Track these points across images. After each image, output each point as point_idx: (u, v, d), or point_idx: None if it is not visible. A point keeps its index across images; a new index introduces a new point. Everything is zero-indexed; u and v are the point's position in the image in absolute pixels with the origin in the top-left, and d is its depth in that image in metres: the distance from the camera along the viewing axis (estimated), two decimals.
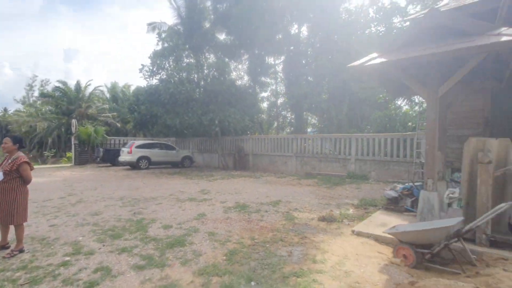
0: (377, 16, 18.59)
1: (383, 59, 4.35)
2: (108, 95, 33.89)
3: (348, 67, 4.78)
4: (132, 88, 30.89)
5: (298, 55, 18.67)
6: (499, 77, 5.35)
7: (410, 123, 12.85)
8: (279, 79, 22.96)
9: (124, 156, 16.31)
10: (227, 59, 18.79)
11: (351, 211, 6.53)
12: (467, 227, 3.38)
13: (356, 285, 3.20)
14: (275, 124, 22.84)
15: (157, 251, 4.17)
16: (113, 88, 33.82)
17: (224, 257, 3.94)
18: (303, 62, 19.30)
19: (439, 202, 4.47)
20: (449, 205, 5.29)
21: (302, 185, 10.42)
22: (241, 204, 7.11)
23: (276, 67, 22.12)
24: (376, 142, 11.56)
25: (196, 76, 15.63)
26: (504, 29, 3.67)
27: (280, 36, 19.04)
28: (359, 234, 4.86)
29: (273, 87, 22.88)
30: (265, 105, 24.01)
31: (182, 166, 17.80)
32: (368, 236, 4.74)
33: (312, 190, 9.22)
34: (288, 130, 22.27)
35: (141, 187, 10.00)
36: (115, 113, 29.11)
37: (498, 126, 6.46)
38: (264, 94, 23.09)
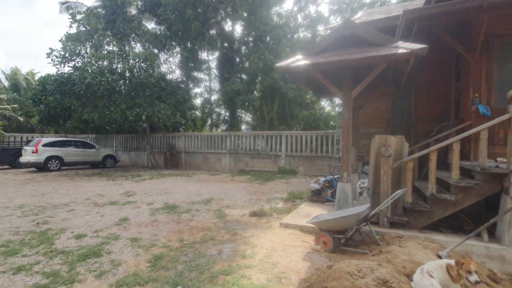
0: (305, 22, 20.03)
1: (306, 62, 4.65)
2: (6, 83, 27.89)
3: (276, 66, 4.97)
4: (39, 76, 26.08)
5: (232, 52, 18.72)
6: (397, 83, 6.34)
7: (332, 122, 14.26)
8: (213, 76, 22.64)
9: (27, 156, 13.68)
10: (156, 50, 17.56)
11: (280, 204, 6.86)
12: (373, 212, 3.89)
13: (281, 275, 3.36)
14: (209, 121, 22.48)
15: (66, 266, 3.60)
16: (13, 75, 27.93)
17: (148, 264, 3.65)
18: (237, 59, 19.44)
19: (352, 192, 5.05)
20: (361, 194, 6.04)
21: (235, 181, 10.51)
22: (171, 205, 6.74)
23: (210, 63, 21.75)
24: (303, 139, 12.46)
25: (120, 66, 14.13)
26: (401, 43, 4.33)
27: (214, 32, 18.74)
28: (286, 226, 5.13)
29: (207, 83, 22.45)
30: (198, 101, 23.39)
31: (103, 166, 15.95)
32: (294, 227, 5.05)
33: (245, 186, 9.38)
34: (223, 127, 22.21)
35: (49, 192, 8.54)
36: (15, 105, 24.16)
37: (396, 125, 7.68)
38: (198, 90, 22.49)
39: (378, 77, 5.87)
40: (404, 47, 4.10)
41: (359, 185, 6.26)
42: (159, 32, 17.68)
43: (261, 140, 13.64)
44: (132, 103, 13.84)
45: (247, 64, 18.76)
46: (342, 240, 4.06)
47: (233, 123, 19.27)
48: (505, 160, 4.06)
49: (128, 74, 14.11)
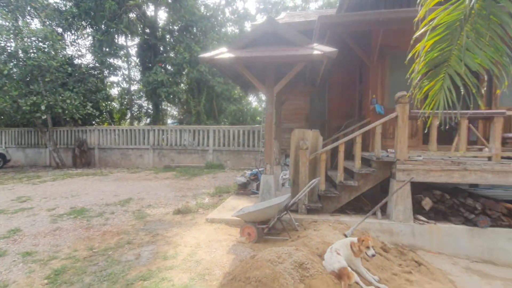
0: (232, 17, 20.06)
1: (231, 55, 4.63)
2: None
3: (200, 57, 4.79)
4: None
5: (155, 40, 17.36)
6: (314, 83, 6.94)
7: (258, 117, 14.77)
8: (133, 64, 20.58)
9: None
10: (61, 30, 14.90)
11: (206, 200, 6.74)
12: (292, 201, 4.18)
13: (205, 272, 3.29)
14: (129, 114, 20.43)
15: None
16: None
17: (46, 281, 3.08)
18: (161, 48, 18.15)
19: (275, 183, 5.32)
20: (283, 184, 6.43)
21: (159, 179, 9.87)
22: (78, 209, 5.86)
23: (130, 49, 19.68)
24: (231, 133, 12.55)
25: (11, 45, 11.46)
26: (316, 45, 4.72)
27: (134, 15, 16.99)
28: (212, 221, 5.06)
29: (126, 72, 20.27)
30: (116, 91, 20.93)
31: None
32: (220, 221, 5.03)
33: (170, 183, 8.90)
34: (146, 121, 20.51)
35: None
36: None
37: (314, 121, 8.45)
38: (115, 79, 20.08)
39: (298, 76, 6.31)
40: (318, 49, 4.48)
41: (282, 176, 6.66)
42: (64, 9, 15.00)
43: (188, 134, 13.15)
44: (27, 90, 11.44)
45: (172, 54, 17.71)
46: (265, 229, 4.24)
47: (157, 117, 18.01)
48: (393, 151, 4.89)
49: (21, 54, 11.57)
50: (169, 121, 22.33)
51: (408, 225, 4.32)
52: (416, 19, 2.94)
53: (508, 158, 4.38)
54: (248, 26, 19.18)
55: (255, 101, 21.01)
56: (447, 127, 3.33)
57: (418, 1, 2.87)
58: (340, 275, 2.81)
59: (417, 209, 4.55)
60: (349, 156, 6.29)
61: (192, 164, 12.64)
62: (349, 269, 2.88)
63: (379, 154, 4.62)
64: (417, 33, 2.99)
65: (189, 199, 6.80)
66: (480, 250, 4.11)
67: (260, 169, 7.06)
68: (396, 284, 3.11)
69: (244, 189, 6.95)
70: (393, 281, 3.17)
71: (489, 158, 4.26)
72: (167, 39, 18.08)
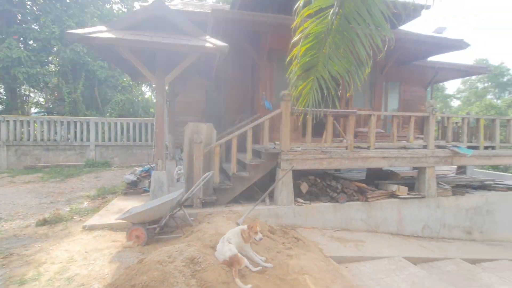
0: None
1: (111, 35, 4.04)
2: None
3: (67, 33, 3.96)
4: None
5: (9, 5, 13.30)
6: (210, 76, 6.94)
7: (152, 109, 13.64)
8: None
9: None
10: None
11: (85, 204, 5.78)
12: (185, 196, 4.07)
13: None
14: None
15: None
16: None
17: None
18: (19, 17, 14.07)
19: (168, 179, 5.06)
20: (178, 180, 6.21)
21: (17, 183, 7.77)
22: None
23: None
24: (118, 126, 11.12)
25: None
26: (209, 38, 4.69)
27: None
28: (92, 228, 4.38)
29: None
30: None
31: None
32: (103, 227, 4.41)
33: (33, 188, 7.14)
34: None
35: None
36: None
37: (210, 114, 8.47)
38: None
39: (193, 68, 6.14)
40: (211, 42, 4.46)
41: (177, 171, 6.40)
42: None
43: (60, 127, 10.82)
44: None
45: (36, 27, 14.03)
46: (156, 229, 3.97)
47: (14, 104, 14.00)
48: (278, 143, 5.47)
49: None
50: (33, 110, 17.80)
51: (290, 207, 4.95)
52: (293, 26, 3.33)
53: (359, 147, 5.61)
54: (137, 6, 17.24)
55: (149, 91, 19.29)
56: (314, 122, 3.94)
57: (294, 10, 3.24)
58: (231, 262, 2.94)
59: (297, 193, 5.26)
60: (244, 149, 6.65)
61: (66, 163, 10.52)
62: (240, 255, 3.05)
63: (267, 146, 5.07)
64: (294, 39, 3.39)
65: (60, 205, 5.64)
66: (340, 221, 5.14)
67: (152, 165, 6.55)
68: (279, 260, 3.51)
69: (134, 188, 6.30)
70: (277, 258, 3.56)
71: (346, 148, 5.35)
72: (28, 6, 14.16)
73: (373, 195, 5.32)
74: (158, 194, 4.70)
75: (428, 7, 7.54)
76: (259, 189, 5.87)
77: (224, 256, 2.97)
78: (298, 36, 3.34)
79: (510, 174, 9.36)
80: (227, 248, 3.03)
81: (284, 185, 4.94)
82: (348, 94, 4.97)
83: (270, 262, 3.38)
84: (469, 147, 6.21)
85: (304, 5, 3.13)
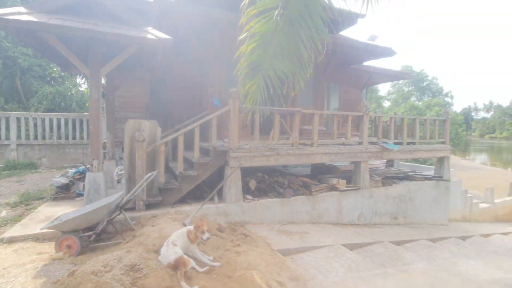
0: None
1: (31, 18, 3.50)
2: None
3: None
4: None
5: None
6: (153, 70, 6.54)
7: (88, 104, 12.30)
8: None
9: None
10: None
11: (4, 213, 4.97)
12: (125, 198, 3.78)
13: None
14: None
15: None
16: None
17: None
18: None
19: (106, 181, 4.64)
20: (119, 181, 5.74)
21: None
22: None
23: None
24: (47, 123, 9.77)
25: None
26: (151, 29, 4.40)
27: None
28: (11, 240, 3.80)
29: None
30: None
31: None
32: (25, 239, 3.85)
33: None
34: None
35: None
36: None
37: (156, 111, 8.03)
38: None
39: (134, 60, 5.73)
40: (153, 33, 4.20)
41: (117, 172, 5.92)
42: None
43: None
44: None
45: None
46: (92, 237, 3.62)
47: None
48: (227, 141, 5.44)
49: None
50: None
51: (239, 204, 4.98)
52: (240, 23, 3.33)
53: (304, 144, 5.91)
54: None
55: (85, 83, 17.34)
56: (262, 120, 4.03)
57: (240, 7, 3.24)
58: (176, 265, 2.83)
59: (246, 190, 5.32)
60: (192, 147, 6.46)
61: None
62: (185, 257, 2.95)
63: (216, 144, 5.01)
64: (241, 37, 3.40)
65: None
66: (287, 215, 5.37)
67: (88, 166, 5.94)
68: (227, 258, 3.51)
69: (65, 192, 5.63)
70: (225, 256, 3.56)
71: (292, 145, 5.59)
72: None
73: (316, 189, 5.67)
74: (94, 198, 4.28)
75: (363, 16, 8.28)
76: (208, 188, 5.78)
77: (169, 260, 2.85)
78: (244, 34, 3.36)
79: (428, 166, 10.91)
80: (172, 251, 2.92)
81: (232, 182, 4.95)
82: (293, 94, 5.19)
83: (218, 260, 3.35)
84: (396, 143, 7.04)
85: (250, 4, 3.16)
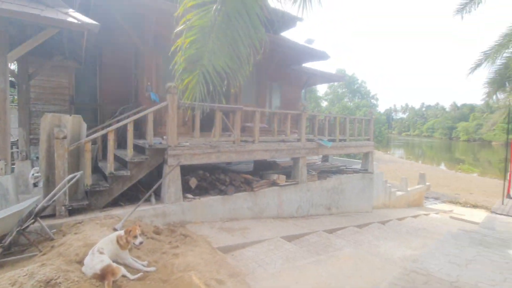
0: None
1: None
2: None
3: None
4: None
5: None
6: (78, 57, 5.81)
7: None
8: None
9: None
10: None
11: None
12: (41, 204, 3.29)
13: None
14: None
15: None
16: None
17: None
18: None
19: (16, 185, 3.96)
20: (35, 185, 4.97)
21: None
22: None
23: None
24: None
25: None
26: (72, 11, 3.88)
27: None
28: None
29: None
30: None
31: None
32: None
33: None
34: None
35: None
36: None
37: (83, 104, 7.15)
38: None
39: (53, 46, 5.02)
40: (75, 16, 3.71)
41: (33, 174, 5.11)
42: None
43: None
44: None
45: None
46: None
47: None
48: (166, 138, 5.17)
49: None
50: None
51: (179, 204, 4.79)
52: (176, 14, 3.17)
53: (245, 141, 5.97)
54: None
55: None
56: (202, 117, 3.93)
57: None
58: (103, 275, 2.58)
59: (187, 189, 5.15)
60: (125, 144, 5.95)
61: None
62: (114, 265, 2.71)
63: (152, 141, 4.71)
64: (177, 29, 3.24)
65: None
66: (229, 212, 5.38)
67: None
68: (164, 261, 3.34)
69: None
70: (162, 259, 3.38)
71: (234, 142, 5.60)
72: None
73: (258, 185, 5.80)
74: (1, 205, 3.62)
75: (301, 19, 8.73)
76: (145, 188, 5.41)
77: (94, 269, 2.58)
78: (181, 27, 3.21)
79: (357, 160, 12.16)
80: (97, 259, 2.65)
81: (171, 181, 4.73)
82: (232, 90, 5.18)
83: (154, 265, 3.17)
84: (330, 140, 7.65)
85: None
